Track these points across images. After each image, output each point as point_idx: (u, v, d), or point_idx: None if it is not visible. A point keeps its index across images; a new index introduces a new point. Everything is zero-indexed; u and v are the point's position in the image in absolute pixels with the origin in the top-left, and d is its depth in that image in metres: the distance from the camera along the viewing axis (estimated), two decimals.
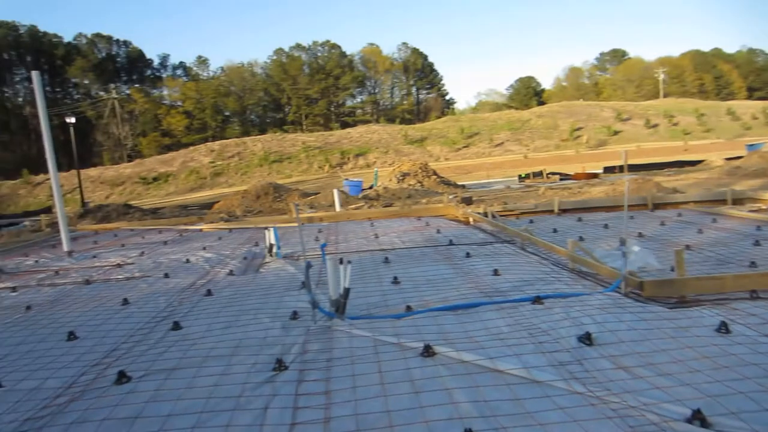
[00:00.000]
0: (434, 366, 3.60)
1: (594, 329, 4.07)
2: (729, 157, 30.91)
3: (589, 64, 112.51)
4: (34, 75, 10.77)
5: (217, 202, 28.38)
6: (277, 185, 28.08)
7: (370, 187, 28.64)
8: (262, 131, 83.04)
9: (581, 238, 8.12)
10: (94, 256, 9.99)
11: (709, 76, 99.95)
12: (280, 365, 3.72)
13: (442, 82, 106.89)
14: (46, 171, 68.57)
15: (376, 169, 39.06)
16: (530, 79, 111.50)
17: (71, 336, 4.87)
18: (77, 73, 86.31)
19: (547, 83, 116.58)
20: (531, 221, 10.72)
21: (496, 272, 6.17)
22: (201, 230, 13.04)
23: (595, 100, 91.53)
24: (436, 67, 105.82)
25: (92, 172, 64.26)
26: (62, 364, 4.23)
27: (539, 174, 31.66)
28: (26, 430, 3.10)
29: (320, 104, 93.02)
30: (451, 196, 16.81)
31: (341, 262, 4.75)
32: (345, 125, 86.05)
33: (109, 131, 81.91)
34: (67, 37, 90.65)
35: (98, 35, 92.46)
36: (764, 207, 10.94)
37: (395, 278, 6.13)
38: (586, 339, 3.92)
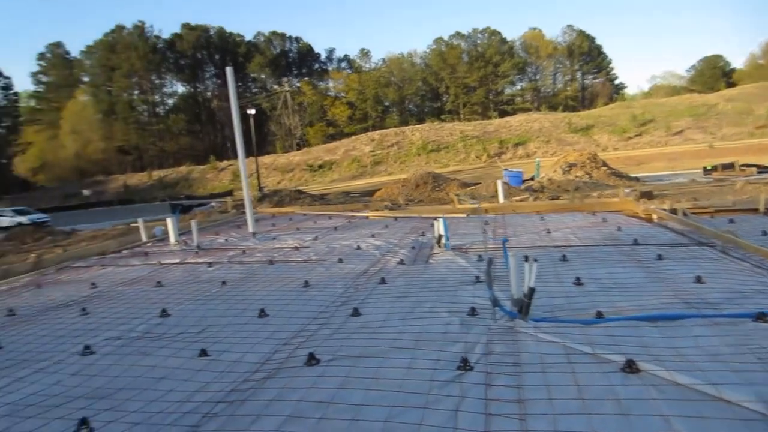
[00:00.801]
0: (642, 386, 3.18)
1: None
2: None
3: None
4: (228, 71, 11.84)
5: (378, 189, 29.28)
6: (435, 174, 28.20)
7: (531, 178, 27.51)
8: (420, 121, 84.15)
9: None
10: (274, 238, 10.77)
11: None
12: (465, 364, 3.56)
13: (611, 65, 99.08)
14: (229, 157, 76.82)
15: (537, 159, 37.41)
16: (717, 58, 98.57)
17: (262, 313, 5.22)
18: (255, 69, 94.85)
19: (738, 62, 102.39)
20: (731, 221, 9.36)
21: (699, 279, 5.41)
22: (367, 217, 13.46)
23: None
24: (604, 49, 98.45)
25: (266, 159, 70.25)
26: (257, 339, 4.52)
27: (730, 166, 27.80)
28: (233, 401, 3.32)
29: (478, 92, 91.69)
30: (627, 190, 15.43)
31: (526, 259, 4.45)
32: (503, 114, 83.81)
33: (281, 122, 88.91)
34: (248, 36, 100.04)
35: (274, 33, 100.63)
36: None
37: (578, 279, 5.66)
38: None
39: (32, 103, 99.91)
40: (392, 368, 3.65)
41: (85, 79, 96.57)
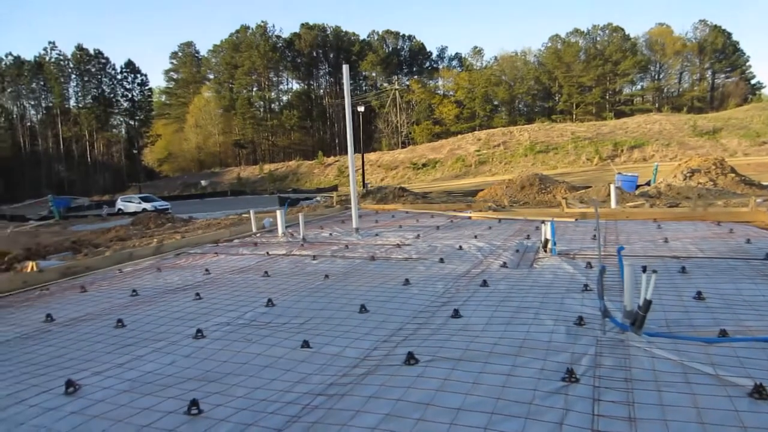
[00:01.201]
0: None
1: None
2: None
3: None
4: (345, 69, 12.21)
5: (481, 190, 28.87)
6: (542, 176, 27.32)
7: (648, 184, 25.79)
8: (530, 120, 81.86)
9: None
10: (377, 235, 10.95)
11: None
12: (570, 376, 3.40)
13: (748, 63, 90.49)
14: (335, 154, 79.32)
15: (656, 163, 34.94)
16: None
17: (363, 309, 5.31)
18: (367, 67, 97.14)
19: None
20: None
21: None
22: (470, 218, 13.30)
23: None
24: (742, 45, 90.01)
25: (372, 156, 71.73)
26: (357, 335, 4.61)
27: None
28: (332, 395, 3.41)
29: (594, 92, 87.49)
30: (759, 200, 14.00)
31: (644, 270, 4.18)
32: (620, 114, 79.31)
33: (389, 119, 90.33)
34: (362, 35, 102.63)
35: (388, 31, 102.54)
36: None
37: (699, 293, 5.21)
38: None
39: (163, 98, 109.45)
40: (493, 374, 3.57)
41: (210, 76, 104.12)
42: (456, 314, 4.96)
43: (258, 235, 12.15)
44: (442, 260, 7.79)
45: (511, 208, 16.40)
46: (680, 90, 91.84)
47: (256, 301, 5.95)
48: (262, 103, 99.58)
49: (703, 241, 8.39)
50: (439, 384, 3.43)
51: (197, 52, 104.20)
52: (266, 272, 7.52)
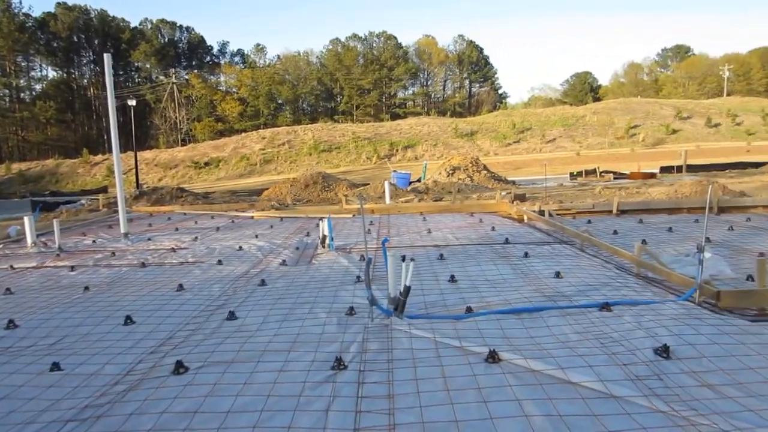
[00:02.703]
0: (501, 374, 3.40)
1: (671, 341, 3.79)
2: None
3: (650, 60, 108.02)
4: (106, 58, 11.00)
5: (266, 189, 28.68)
6: (326, 175, 28.17)
7: (419, 180, 28.37)
8: (313, 120, 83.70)
9: (644, 242, 7.69)
10: (149, 239, 10.19)
11: None
12: (339, 364, 3.60)
13: (496, 75, 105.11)
14: (104, 151, 71.42)
15: (425, 162, 38.62)
16: (586, 74, 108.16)
17: (128, 320, 4.90)
18: (140, 57, 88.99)
19: (604, 79, 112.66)
20: (589, 221, 10.29)
21: (558, 275, 5.89)
22: (252, 217, 13.16)
23: (654, 97, 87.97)
24: (491, 60, 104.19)
25: (147, 154, 66.25)
26: (120, 349, 4.24)
27: (592, 172, 30.61)
28: (86, 418, 3.07)
29: (372, 95, 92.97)
30: (503, 193, 16.40)
31: (403, 259, 4.59)
32: (395, 117, 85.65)
33: (166, 115, 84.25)
34: (134, 22, 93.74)
35: (163, 21, 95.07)
36: None
37: (452, 277, 5.93)
38: (664, 352, 3.65)
39: None
40: (266, 372, 3.59)
41: None
42: (231, 316, 4.87)
43: (0, 246, 10.36)
44: (220, 262, 7.57)
45: (294, 206, 16.65)
46: (444, 96, 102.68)
47: None
48: (7, 91, 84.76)
49: (459, 230, 9.54)
50: (209, 389, 3.34)
51: None
52: (8, 289, 6.44)
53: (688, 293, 4.97)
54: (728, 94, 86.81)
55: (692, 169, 30.37)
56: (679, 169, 30.71)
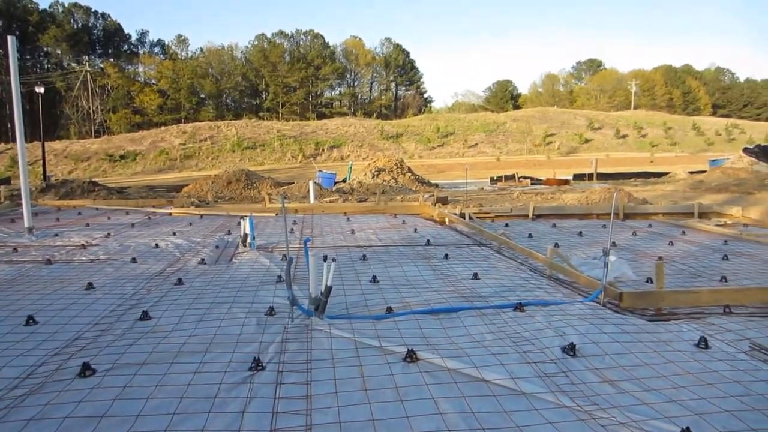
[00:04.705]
0: (418, 373, 3.48)
1: (577, 340, 4.03)
2: (692, 170, 31.60)
3: (566, 72, 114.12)
4: (10, 40, 10.19)
5: (186, 185, 27.67)
6: (249, 172, 27.55)
7: (343, 181, 28.37)
8: (237, 116, 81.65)
9: (556, 245, 8.11)
10: (56, 235, 9.59)
11: (678, 91, 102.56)
12: (257, 365, 3.54)
13: (422, 80, 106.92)
14: (7, 140, 66.28)
15: (350, 162, 38.73)
16: (507, 82, 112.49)
17: (30, 320, 4.59)
18: (50, 42, 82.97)
19: (523, 88, 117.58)
20: (507, 225, 10.71)
21: (475, 276, 6.09)
22: (170, 214, 12.68)
23: (569, 107, 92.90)
24: (417, 64, 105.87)
25: (57, 145, 62.11)
26: (20, 351, 3.97)
27: (511, 177, 31.88)
28: None
29: (298, 93, 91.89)
30: (426, 195, 16.73)
31: (325, 259, 4.59)
32: (322, 116, 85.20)
33: (79, 104, 79.27)
34: (43, 4, 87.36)
35: (75, 5, 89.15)
36: (729, 222, 11.19)
37: (374, 277, 5.99)
38: (570, 350, 3.87)
39: None
40: (180, 374, 3.48)
41: None
42: (145, 316, 4.67)
43: None
44: (134, 260, 7.24)
45: (216, 203, 16.19)
46: (371, 98, 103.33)
47: None
48: None
49: (382, 231, 9.64)
50: (118, 392, 3.19)
51: None
52: None
53: (594, 294, 5.29)
54: (635, 108, 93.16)
55: (602, 177, 32.36)
56: (591, 176, 32.61)
